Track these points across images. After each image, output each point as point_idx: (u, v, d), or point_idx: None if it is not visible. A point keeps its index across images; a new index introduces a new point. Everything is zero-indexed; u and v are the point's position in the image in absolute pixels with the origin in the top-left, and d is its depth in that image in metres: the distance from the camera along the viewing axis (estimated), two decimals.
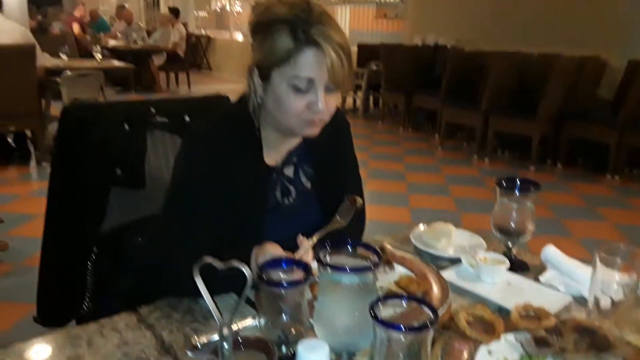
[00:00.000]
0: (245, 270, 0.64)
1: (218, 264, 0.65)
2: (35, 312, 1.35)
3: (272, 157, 1.11)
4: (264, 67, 0.99)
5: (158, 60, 8.41)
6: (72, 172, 1.32)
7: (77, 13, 8.49)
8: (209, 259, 0.65)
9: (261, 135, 1.09)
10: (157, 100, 1.47)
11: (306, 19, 0.95)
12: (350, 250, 0.74)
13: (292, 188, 1.14)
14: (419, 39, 7.36)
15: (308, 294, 0.79)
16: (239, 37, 12.12)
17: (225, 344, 0.64)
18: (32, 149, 4.29)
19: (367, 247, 0.74)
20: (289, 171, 1.14)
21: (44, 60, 4.49)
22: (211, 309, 0.65)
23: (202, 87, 9.22)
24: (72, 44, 6.35)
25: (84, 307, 1.34)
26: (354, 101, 7.92)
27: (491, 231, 1.16)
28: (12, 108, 3.73)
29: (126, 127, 1.35)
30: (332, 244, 0.74)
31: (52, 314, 1.37)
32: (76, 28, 7.87)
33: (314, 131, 1.04)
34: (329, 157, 1.18)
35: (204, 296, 0.65)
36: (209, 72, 11.68)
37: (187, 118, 1.43)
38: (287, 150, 1.13)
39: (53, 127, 4.67)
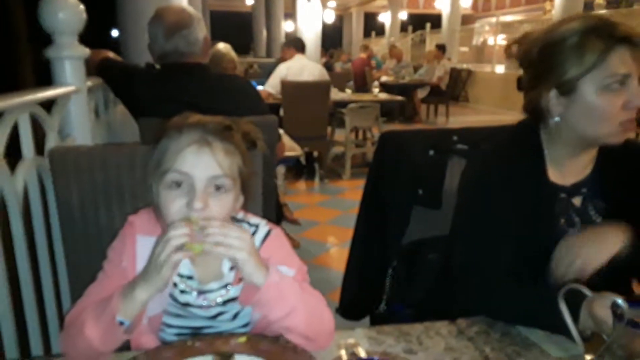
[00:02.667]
0: (622, 305, 0.62)
1: (586, 291, 0.66)
2: (333, 305, 1.56)
3: (557, 176, 1.09)
4: (567, 82, 0.98)
5: (421, 93, 8.83)
6: (382, 188, 1.49)
7: (363, 55, 9.62)
8: (576, 286, 0.66)
9: (547, 154, 1.08)
10: (459, 129, 1.57)
11: (609, 23, 0.95)
12: None
13: (577, 219, 1.09)
14: None
15: None
16: (498, 69, 11.82)
17: None
18: (316, 167, 5.00)
19: None
20: (577, 201, 1.10)
21: (333, 94, 5.22)
22: (574, 336, 0.64)
23: (459, 118, 9.28)
24: (353, 80, 7.26)
25: (379, 308, 1.50)
26: None
27: None
28: (309, 133, 4.44)
29: (431, 152, 1.48)
30: None
31: (351, 309, 1.56)
32: (358, 67, 8.92)
33: (623, 137, 0.99)
34: (626, 193, 1.08)
35: (567, 322, 0.65)
36: (466, 104, 11.67)
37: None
38: (577, 171, 1.09)
39: (334, 151, 5.37)
